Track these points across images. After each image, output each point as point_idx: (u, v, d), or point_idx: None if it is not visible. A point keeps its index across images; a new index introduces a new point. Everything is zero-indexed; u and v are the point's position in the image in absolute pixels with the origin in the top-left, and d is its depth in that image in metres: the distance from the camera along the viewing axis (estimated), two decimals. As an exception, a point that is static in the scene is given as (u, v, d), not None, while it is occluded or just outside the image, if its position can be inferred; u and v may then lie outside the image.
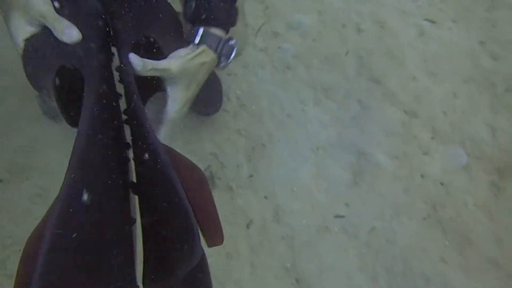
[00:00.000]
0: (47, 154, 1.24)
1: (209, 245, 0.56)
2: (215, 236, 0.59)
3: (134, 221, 0.50)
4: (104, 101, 0.51)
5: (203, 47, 0.67)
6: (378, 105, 1.50)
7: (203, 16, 0.68)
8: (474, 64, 1.61)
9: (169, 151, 0.54)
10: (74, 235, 0.41)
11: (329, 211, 1.37)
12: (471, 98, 1.57)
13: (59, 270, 0.40)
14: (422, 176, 1.45)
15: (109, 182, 0.47)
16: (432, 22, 1.64)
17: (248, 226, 1.32)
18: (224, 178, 1.35)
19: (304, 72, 1.49)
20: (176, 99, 0.65)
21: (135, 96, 0.52)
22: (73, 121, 0.58)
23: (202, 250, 0.56)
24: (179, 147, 1.34)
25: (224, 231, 1.24)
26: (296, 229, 1.33)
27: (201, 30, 0.68)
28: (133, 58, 0.57)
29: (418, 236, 1.39)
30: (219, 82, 1.42)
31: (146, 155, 0.48)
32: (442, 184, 1.45)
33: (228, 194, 1.34)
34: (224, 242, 1.32)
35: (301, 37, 1.53)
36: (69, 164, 0.44)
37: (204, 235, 0.54)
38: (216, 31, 0.69)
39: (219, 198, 1.34)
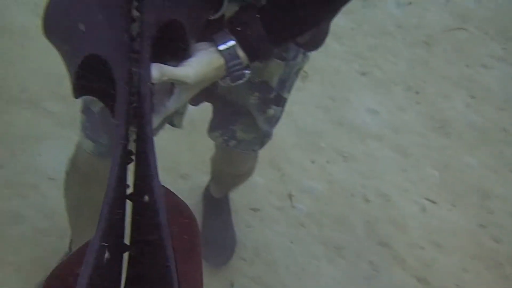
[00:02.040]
0: None
1: None
2: None
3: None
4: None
5: (222, 63, 0.68)
6: (389, 268, 1.57)
7: (247, 33, 0.69)
8: (478, 243, 1.74)
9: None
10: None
11: None
12: (481, 275, 1.65)
13: None
14: None
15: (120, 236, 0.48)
16: (433, 202, 1.84)
17: None
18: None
19: (316, 230, 1.62)
20: (180, 99, 0.67)
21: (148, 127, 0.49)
22: (78, 93, 0.58)
23: None
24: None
25: None
26: None
27: (231, 43, 0.69)
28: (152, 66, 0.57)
29: None
30: (234, 237, 1.52)
31: (146, 197, 0.47)
32: None
33: None
34: None
35: (313, 200, 1.70)
36: (98, 225, 0.45)
37: None
38: (243, 55, 0.70)
39: None
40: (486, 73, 2.62)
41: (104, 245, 0.43)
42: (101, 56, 0.52)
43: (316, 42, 0.86)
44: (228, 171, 1.38)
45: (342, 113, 2.10)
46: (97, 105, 0.93)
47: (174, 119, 1.00)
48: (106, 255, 0.43)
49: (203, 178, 1.57)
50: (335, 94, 2.17)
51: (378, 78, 2.42)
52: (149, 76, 0.53)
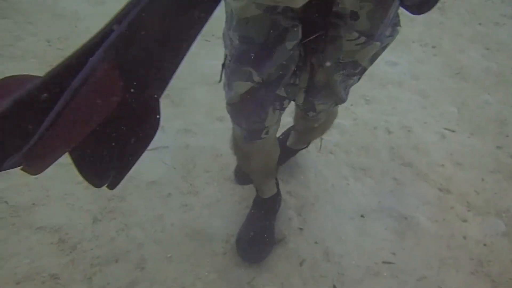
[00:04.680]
0: (131, 200, 1.58)
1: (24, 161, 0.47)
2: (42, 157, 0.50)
3: None
4: None
5: None
6: (412, 182, 1.80)
7: None
8: (496, 160, 1.94)
9: None
10: None
11: (377, 257, 1.53)
12: (499, 184, 1.84)
13: None
14: (464, 237, 1.63)
15: None
16: (452, 131, 2.06)
17: (301, 264, 1.49)
18: (277, 228, 1.59)
19: (344, 156, 1.86)
20: None
21: None
22: None
23: None
24: (230, 199, 1.64)
25: (277, 268, 1.47)
26: (346, 268, 1.49)
27: None
28: None
29: (468, 287, 1.49)
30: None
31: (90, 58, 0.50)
32: (485, 245, 1.61)
33: (282, 240, 1.56)
34: (278, 276, 1.50)
35: (340, 134, 1.95)
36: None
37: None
38: None
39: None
40: (498, 29, 2.82)
41: (43, 83, 0.47)
42: None
43: (426, 4, 0.76)
44: (305, 125, 1.52)
45: (361, 66, 2.35)
46: (238, 95, 1.02)
47: (296, 97, 1.10)
48: (45, 95, 0.47)
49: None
50: (354, 51, 2.42)
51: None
52: None
